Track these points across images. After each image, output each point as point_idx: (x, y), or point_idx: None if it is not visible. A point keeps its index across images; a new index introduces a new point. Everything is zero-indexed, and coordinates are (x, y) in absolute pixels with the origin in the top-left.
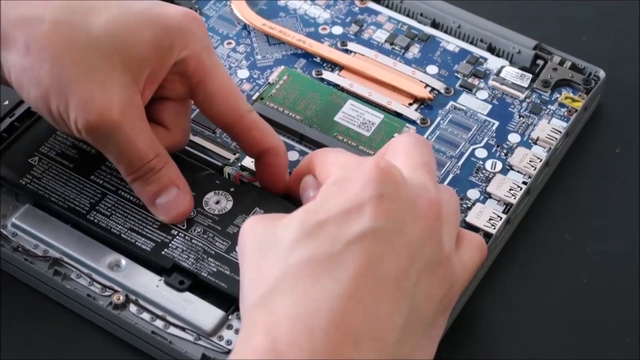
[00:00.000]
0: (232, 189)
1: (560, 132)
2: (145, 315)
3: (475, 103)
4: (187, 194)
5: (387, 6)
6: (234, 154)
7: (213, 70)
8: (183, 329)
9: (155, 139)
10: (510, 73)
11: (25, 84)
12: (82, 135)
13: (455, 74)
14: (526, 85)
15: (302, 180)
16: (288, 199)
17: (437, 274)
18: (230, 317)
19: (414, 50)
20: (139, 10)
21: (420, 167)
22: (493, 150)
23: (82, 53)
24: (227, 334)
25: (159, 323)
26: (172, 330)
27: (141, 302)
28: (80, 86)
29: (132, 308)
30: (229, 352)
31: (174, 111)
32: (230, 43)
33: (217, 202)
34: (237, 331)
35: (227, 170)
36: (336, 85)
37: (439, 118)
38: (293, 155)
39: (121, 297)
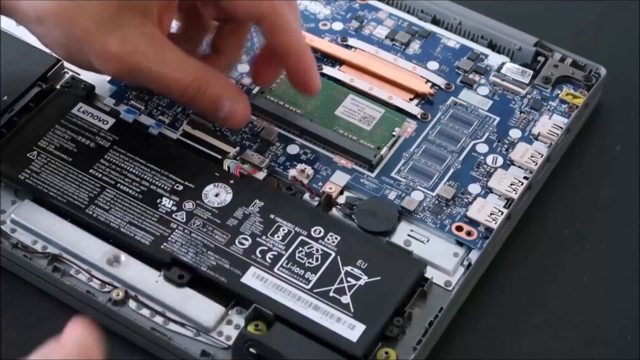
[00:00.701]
0: (231, 182)
1: (562, 128)
2: (145, 311)
3: (476, 99)
4: (239, 102)
5: (387, 3)
6: (234, 147)
7: None
8: (182, 325)
9: (189, 62)
10: (511, 69)
11: (50, 46)
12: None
13: (456, 70)
14: (527, 82)
15: None
16: (290, 194)
17: None
18: (229, 312)
19: (415, 47)
20: None
21: None
22: (494, 145)
23: (82, 12)
24: (226, 329)
25: (159, 319)
26: (172, 326)
27: (140, 298)
28: (92, 40)
29: (132, 304)
30: (228, 347)
31: (225, 33)
32: None
33: (217, 195)
34: (237, 327)
35: (227, 163)
36: (337, 80)
37: (439, 113)
38: (293, 149)
39: (120, 293)
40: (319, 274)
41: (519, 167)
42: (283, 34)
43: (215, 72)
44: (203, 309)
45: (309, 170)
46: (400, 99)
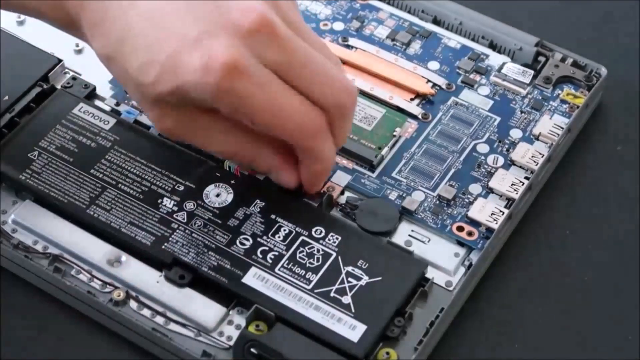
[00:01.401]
0: (232, 182)
1: (562, 128)
2: (146, 312)
3: (477, 99)
4: (285, 172)
5: (388, 3)
6: None
7: (252, 114)
8: (183, 325)
9: (232, 138)
10: (512, 69)
11: None
12: None
13: (457, 70)
14: (528, 82)
15: None
16: (291, 194)
17: None
18: (230, 312)
19: (415, 47)
20: (161, 64)
21: None
22: (495, 145)
23: (129, 90)
24: (227, 329)
25: (160, 319)
26: (173, 326)
27: (141, 298)
28: (143, 107)
29: (133, 304)
30: (229, 348)
31: None
32: None
33: (218, 195)
34: (238, 327)
35: (228, 163)
36: None
37: (440, 113)
38: None
39: (121, 294)
40: (319, 274)
41: (520, 167)
42: (308, 165)
43: (261, 145)
44: (204, 309)
45: None
46: (401, 99)
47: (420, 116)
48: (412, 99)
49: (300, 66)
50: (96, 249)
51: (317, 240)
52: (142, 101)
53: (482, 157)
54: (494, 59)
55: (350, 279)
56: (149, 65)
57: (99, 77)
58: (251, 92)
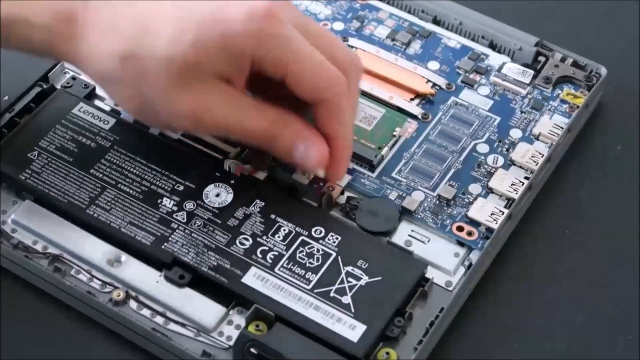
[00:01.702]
0: (232, 182)
1: (562, 128)
2: (146, 312)
3: (477, 99)
4: (314, 145)
5: (388, 3)
6: (235, 147)
7: (292, 61)
8: (183, 325)
9: (262, 110)
10: (512, 69)
11: (122, 108)
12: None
13: (457, 70)
14: (528, 82)
15: None
16: (290, 194)
17: None
18: (230, 312)
19: (415, 47)
20: (199, 23)
21: None
22: (495, 145)
23: (152, 79)
24: (227, 329)
25: (159, 319)
26: (172, 326)
27: (141, 298)
28: (164, 101)
29: (132, 304)
30: (229, 348)
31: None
32: None
33: (217, 195)
34: (237, 327)
35: (228, 163)
36: None
37: (440, 113)
38: None
39: (121, 294)
40: (319, 274)
41: (520, 167)
42: (335, 124)
43: (292, 117)
44: (204, 309)
45: None
46: (401, 99)
47: (420, 116)
48: (412, 99)
49: (317, 29)
50: (96, 249)
51: (317, 240)
52: (170, 93)
53: (482, 157)
54: (494, 59)
55: (350, 279)
56: (184, 31)
57: None
58: (291, 37)
